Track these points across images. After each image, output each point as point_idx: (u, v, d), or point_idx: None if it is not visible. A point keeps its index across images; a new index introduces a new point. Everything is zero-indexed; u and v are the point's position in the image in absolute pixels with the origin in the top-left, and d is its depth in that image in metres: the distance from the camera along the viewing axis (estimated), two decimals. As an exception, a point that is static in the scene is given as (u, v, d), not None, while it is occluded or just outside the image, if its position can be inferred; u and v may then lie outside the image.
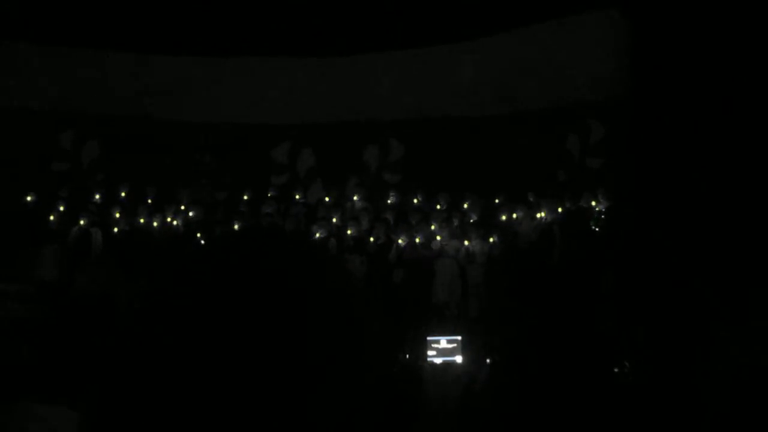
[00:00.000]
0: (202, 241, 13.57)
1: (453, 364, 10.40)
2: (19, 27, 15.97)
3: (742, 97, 10.67)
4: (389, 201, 15.73)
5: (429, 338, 10.57)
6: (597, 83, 14.67)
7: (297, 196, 16.14)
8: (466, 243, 13.38)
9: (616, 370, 9.63)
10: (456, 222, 14.16)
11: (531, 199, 14.51)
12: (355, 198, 15.72)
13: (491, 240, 13.47)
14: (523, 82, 15.95)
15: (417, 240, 13.54)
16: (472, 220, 14.30)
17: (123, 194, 15.66)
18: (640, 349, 9.61)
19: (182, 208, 15.11)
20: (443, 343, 10.49)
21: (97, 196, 15.65)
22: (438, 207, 15.18)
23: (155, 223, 14.65)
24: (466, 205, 14.92)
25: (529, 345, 9.58)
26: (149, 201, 15.49)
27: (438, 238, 13.63)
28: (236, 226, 13.80)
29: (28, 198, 15.21)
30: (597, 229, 13.51)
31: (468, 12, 15.86)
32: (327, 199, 15.86)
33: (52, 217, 14.43)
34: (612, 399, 8.84)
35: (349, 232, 13.86)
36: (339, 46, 16.73)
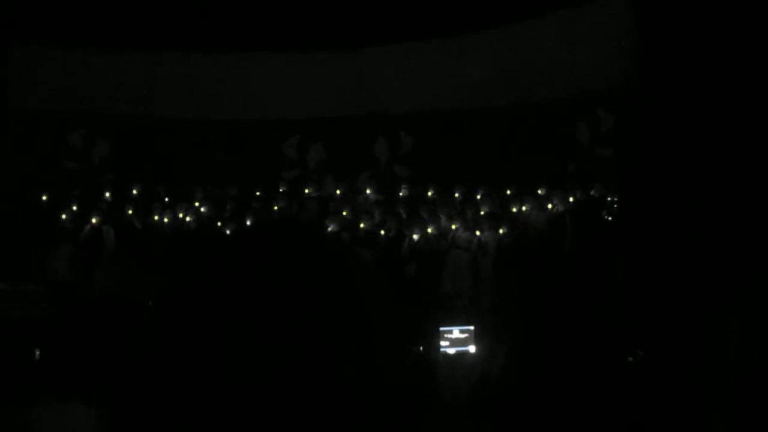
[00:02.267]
0: (215, 238, 13.57)
1: (466, 353, 10.29)
2: (27, 28, 15.99)
3: (752, 84, 10.62)
4: (401, 194, 15.71)
5: (441, 328, 10.44)
6: (605, 72, 14.60)
7: (308, 191, 16.13)
8: (477, 234, 13.35)
9: (630, 358, 9.59)
10: (468, 214, 14.13)
11: (541, 192, 14.50)
12: (367, 191, 15.71)
13: (501, 231, 13.44)
14: (531, 73, 15.91)
15: (429, 231, 13.50)
16: (483, 212, 14.26)
17: (135, 192, 15.69)
18: (653, 337, 9.58)
19: (196, 204, 15.14)
20: (456, 333, 10.38)
21: (108, 194, 15.67)
22: (451, 198, 15.15)
23: (166, 219, 14.67)
24: (478, 197, 14.87)
25: (541, 334, 9.58)
26: (161, 198, 15.51)
27: (454, 227, 13.61)
28: (248, 222, 13.82)
29: (42, 198, 15.23)
30: (609, 218, 13.48)
31: (476, 4, 15.83)
32: (338, 192, 15.85)
33: (64, 216, 14.45)
34: (626, 387, 8.83)
35: (361, 225, 13.86)
36: (347, 40, 16.71)
